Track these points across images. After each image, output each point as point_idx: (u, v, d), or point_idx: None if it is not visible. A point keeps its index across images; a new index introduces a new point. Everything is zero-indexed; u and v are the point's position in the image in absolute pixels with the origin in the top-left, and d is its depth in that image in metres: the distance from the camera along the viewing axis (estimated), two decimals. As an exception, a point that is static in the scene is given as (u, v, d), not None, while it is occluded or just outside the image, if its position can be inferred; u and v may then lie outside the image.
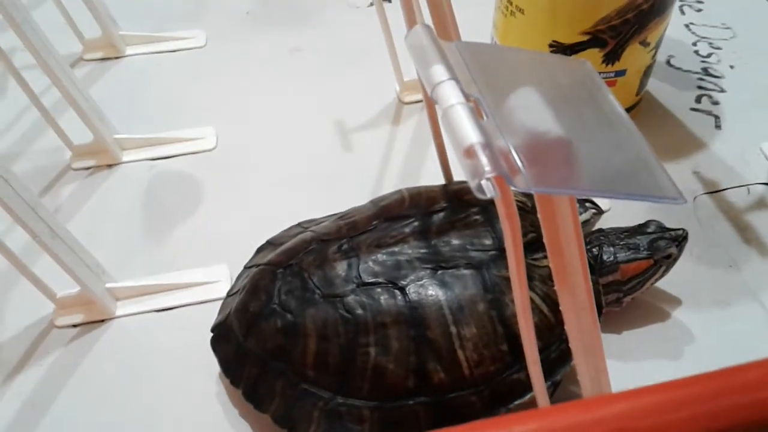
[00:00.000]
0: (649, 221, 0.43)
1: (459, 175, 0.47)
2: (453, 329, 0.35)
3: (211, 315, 0.41)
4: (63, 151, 0.52)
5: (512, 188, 0.19)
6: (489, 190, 0.19)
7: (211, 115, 0.56)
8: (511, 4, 0.49)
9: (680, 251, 0.41)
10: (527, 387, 0.36)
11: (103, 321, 0.43)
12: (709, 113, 0.56)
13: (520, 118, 0.21)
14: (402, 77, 0.57)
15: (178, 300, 0.44)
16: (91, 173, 0.52)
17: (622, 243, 0.41)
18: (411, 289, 0.36)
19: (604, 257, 0.41)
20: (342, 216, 0.42)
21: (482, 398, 0.36)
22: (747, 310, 0.43)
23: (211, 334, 0.39)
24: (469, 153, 0.19)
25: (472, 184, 0.19)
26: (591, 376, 0.32)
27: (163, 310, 0.43)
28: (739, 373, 0.17)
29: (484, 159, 0.19)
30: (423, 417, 0.35)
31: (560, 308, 0.29)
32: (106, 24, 0.59)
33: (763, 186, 0.50)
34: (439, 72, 0.21)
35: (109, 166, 0.52)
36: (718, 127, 0.55)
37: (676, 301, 0.44)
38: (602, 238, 0.42)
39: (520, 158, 0.19)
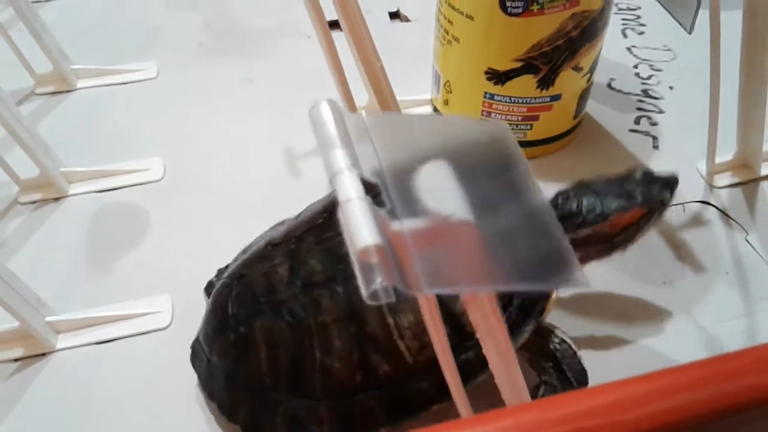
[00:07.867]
0: (635, 167, 0.40)
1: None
2: (390, 320, 0.36)
3: (152, 346, 0.41)
4: (10, 185, 0.52)
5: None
6: (383, 297, 0.19)
7: (160, 146, 0.57)
8: (447, 33, 0.50)
9: (672, 197, 0.38)
10: (478, 367, 0.35)
11: (44, 354, 0.43)
12: (647, 134, 0.57)
13: (423, 201, 0.21)
14: (353, 104, 0.57)
15: (119, 331, 0.44)
16: (38, 207, 0.52)
17: (609, 192, 0.38)
18: (348, 285, 0.36)
19: (588, 208, 0.37)
20: (297, 216, 0.41)
21: (434, 384, 0.36)
22: (680, 326, 0.44)
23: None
24: (363, 255, 0.19)
25: (365, 292, 0.19)
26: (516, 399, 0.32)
27: (105, 342, 0.44)
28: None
29: (377, 270, 0.19)
30: (378, 409, 0.36)
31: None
32: (57, 59, 0.60)
33: (699, 204, 0.52)
34: (338, 159, 0.21)
35: (56, 199, 0.52)
36: (655, 147, 0.56)
37: (610, 318, 0.44)
38: (585, 188, 0.39)
39: (417, 260, 0.19)
